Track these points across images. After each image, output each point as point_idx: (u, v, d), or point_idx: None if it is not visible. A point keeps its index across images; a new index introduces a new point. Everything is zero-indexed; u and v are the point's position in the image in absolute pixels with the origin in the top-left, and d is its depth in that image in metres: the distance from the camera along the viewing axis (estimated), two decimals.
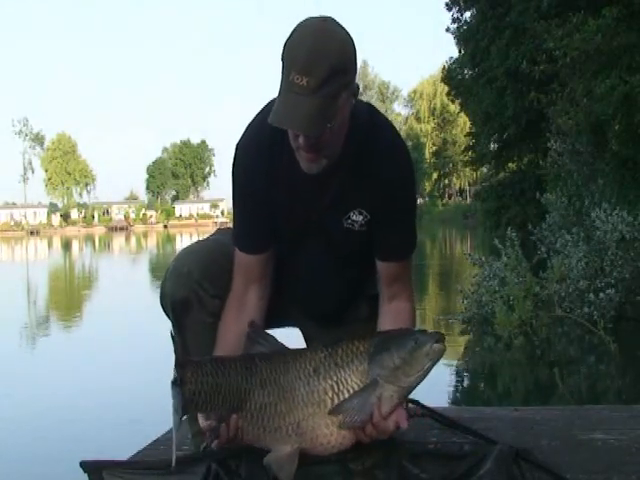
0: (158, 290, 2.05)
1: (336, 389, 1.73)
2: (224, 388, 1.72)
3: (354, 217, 1.91)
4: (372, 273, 2.13)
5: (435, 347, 1.72)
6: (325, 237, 1.95)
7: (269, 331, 1.95)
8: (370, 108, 1.93)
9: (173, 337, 1.81)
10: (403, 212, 1.97)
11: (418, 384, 1.75)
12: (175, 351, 1.74)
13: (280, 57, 1.69)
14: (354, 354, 1.75)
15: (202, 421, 1.80)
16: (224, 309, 1.99)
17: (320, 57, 1.63)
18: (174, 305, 1.99)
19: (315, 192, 1.90)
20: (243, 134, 1.97)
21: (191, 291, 1.97)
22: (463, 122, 60.24)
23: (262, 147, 1.90)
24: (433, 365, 1.74)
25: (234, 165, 1.97)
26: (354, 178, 1.88)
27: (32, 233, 77.82)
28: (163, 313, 2.05)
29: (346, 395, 1.72)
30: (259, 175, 1.91)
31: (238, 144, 1.97)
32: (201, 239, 2.16)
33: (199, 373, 1.70)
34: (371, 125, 1.89)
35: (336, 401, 1.72)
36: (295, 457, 1.73)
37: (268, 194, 1.91)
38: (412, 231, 2.02)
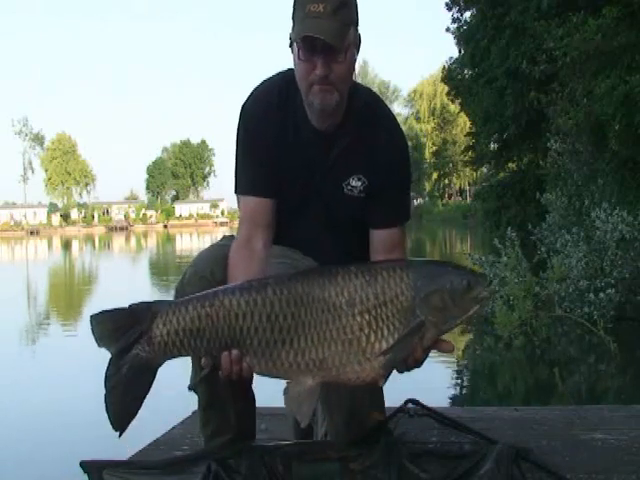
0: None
1: (374, 326, 1.58)
2: (211, 330, 1.59)
3: (354, 183, 1.99)
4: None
5: (485, 293, 1.63)
6: (324, 204, 2.00)
7: None
8: (367, 87, 2.12)
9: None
10: (399, 180, 2.05)
11: (457, 326, 1.67)
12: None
13: (292, 4, 1.86)
14: (397, 286, 1.59)
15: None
16: (230, 257, 1.96)
17: None
18: None
19: (320, 150, 1.97)
20: (249, 96, 2.04)
21: None
22: (463, 122, 60.15)
23: (271, 105, 1.99)
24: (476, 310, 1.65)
25: (240, 122, 2.02)
26: (355, 142, 1.97)
27: (32, 233, 77.76)
28: None
29: (385, 332, 1.58)
30: (266, 131, 1.97)
31: (244, 104, 2.03)
32: (214, 243, 2.17)
33: (173, 319, 1.60)
34: (371, 96, 2.07)
35: (373, 338, 1.58)
36: (316, 393, 1.59)
37: (273, 152, 1.98)
38: (408, 199, 2.12)
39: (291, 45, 1.90)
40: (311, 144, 1.97)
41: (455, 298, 1.59)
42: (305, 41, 1.82)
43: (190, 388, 1.99)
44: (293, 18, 1.87)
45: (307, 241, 1.99)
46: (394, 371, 1.65)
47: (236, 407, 2.03)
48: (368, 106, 2.02)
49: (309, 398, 1.58)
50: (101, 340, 1.68)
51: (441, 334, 1.64)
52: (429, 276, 1.61)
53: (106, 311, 1.69)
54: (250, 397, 2.10)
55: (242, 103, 2.04)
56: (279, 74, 2.05)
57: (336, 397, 2.03)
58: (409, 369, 1.67)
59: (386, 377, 1.69)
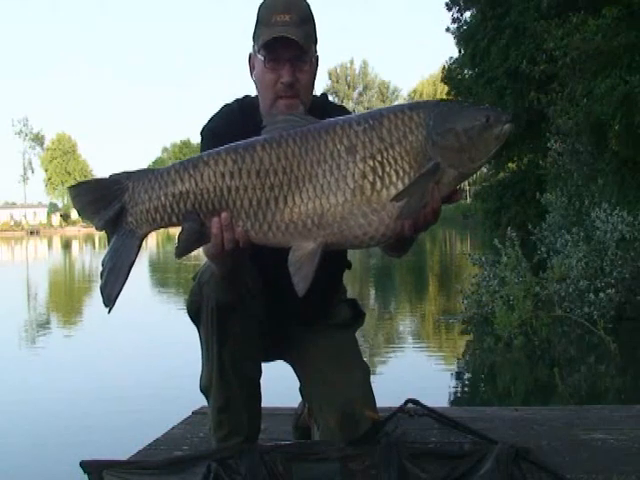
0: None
1: (380, 172, 1.44)
2: (195, 192, 1.51)
3: None
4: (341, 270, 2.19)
5: (506, 128, 1.47)
6: None
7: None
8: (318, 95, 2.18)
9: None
10: None
11: (479, 170, 1.51)
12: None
13: (256, 15, 1.90)
14: (407, 126, 1.45)
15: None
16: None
17: (296, 1, 1.91)
18: (218, 309, 1.91)
19: None
20: (209, 120, 2.04)
21: (235, 293, 1.91)
22: None
23: (231, 121, 1.99)
24: (498, 150, 1.50)
25: (201, 141, 2.01)
26: None
27: (32, 233, 77.53)
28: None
29: (393, 178, 1.44)
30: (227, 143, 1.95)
31: (204, 127, 2.03)
32: None
33: (155, 184, 1.53)
34: (320, 99, 2.12)
35: (379, 185, 1.44)
36: (316, 255, 1.49)
37: None
38: None
39: (250, 61, 1.95)
40: None
41: (473, 136, 1.44)
42: (271, 50, 1.85)
43: (201, 389, 2.01)
44: (256, 32, 1.90)
45: (279, 249, 2.00)
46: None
47: (249, 409, 2.03)
48: (320, 108, 2.00)
49: (310, 260, 1.48)
50: (82, 212, 1.62)
51: (460, 180, 1.50)
52: (442, 114, 1.45)
53: (84, 182, 1.64)
54: (260, 398, 2.10)
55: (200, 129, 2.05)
56: (236, 100, 2.10)
57: (329, 398, 2.03)
58: (426, 224, 1.52)
59: (406, 243, 1.59)
